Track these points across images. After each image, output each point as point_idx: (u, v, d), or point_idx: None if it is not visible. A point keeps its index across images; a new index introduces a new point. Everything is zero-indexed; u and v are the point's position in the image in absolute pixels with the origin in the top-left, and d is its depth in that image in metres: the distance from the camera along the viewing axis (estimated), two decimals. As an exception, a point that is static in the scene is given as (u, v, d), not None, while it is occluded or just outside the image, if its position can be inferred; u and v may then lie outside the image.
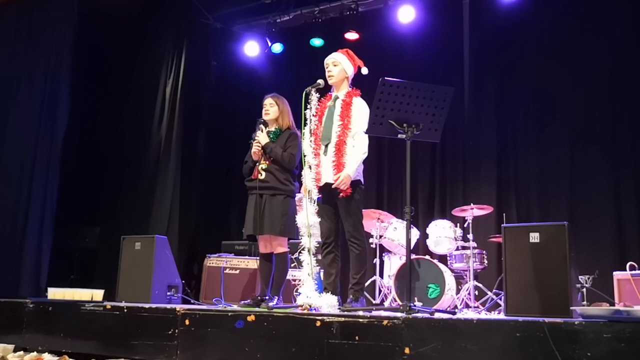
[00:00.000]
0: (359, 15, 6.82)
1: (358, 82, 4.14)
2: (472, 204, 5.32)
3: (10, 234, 5.51)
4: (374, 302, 5.41)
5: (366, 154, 3.87)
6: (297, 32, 7.27)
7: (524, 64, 6.16)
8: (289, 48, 7.35)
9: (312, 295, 3.54)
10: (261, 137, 4.25)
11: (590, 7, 5.88)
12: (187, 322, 3.35)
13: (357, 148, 3.84)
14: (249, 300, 4.19)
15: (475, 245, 5.25)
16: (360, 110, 3.90)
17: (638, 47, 5.56)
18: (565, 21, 5.99)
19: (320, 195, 3.88)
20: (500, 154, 6.16)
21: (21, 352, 3.89)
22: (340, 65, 4.00)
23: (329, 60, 4.04)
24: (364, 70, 4.07)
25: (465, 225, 5.35)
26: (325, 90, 4.07)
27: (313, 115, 3.94)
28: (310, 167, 3.90)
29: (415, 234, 5.60)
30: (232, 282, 5.49)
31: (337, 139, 3.86)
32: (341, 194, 3.79)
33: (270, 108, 4.36)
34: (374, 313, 3.20)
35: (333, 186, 3.79)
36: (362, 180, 3.95)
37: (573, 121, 5.82)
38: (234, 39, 7.55)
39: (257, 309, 3.53)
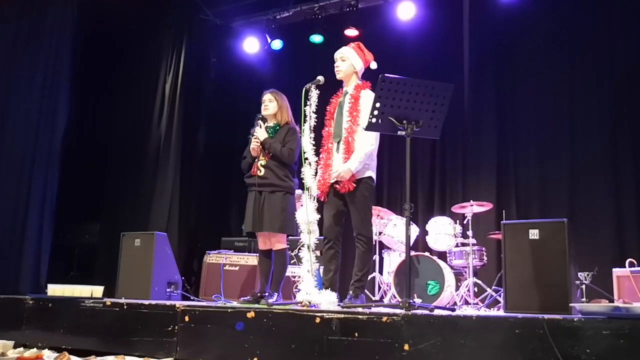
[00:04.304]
0: (359, 12, 6.81)
1: (365, 77, 4.10)
2: (471, 201, 5.33)
3: (10, 230, 5.49)
4: (373, 298, 5.42)
5: (373, 146, 3.82)
6: (297, 28, 7.26)
7: (524, 60, 6.16)
8: (289, 45, 7.34)
9: (311, 291, 3.55)
10: (260, 133, 4.25)
11: (591, 4, 5.87)
12: (186, 318, 3.36)
13: (363, 141, 3.80)
14: (248, 297, 4.20)
15: (475, 242, 5.26)
16: (369, 103, 3.87)
17: (639, 44, 5.56)
18: (566, 18, 5.98)
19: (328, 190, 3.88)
20: (500, 150, 6.16)
21: (21, 349, 3.89)
22: (348, 60, 3.97)
23: (337, 54, 4.02)
24: (373, 65, 4.03)
25: (464, 222, 5.35)
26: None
27: (313, 111, 3.92)
28: (310, 164, 3.89)
29: (414, 230, 5.61)
30: (231, 278, 5.49)
31: (346, 134, 3.84)
32: (339, 188, 3.78)
33: (270, 103, 4.35)
34: (374, 310, 3.20)
35: (331, 179, 3.79)
36: (373, 177, 3.89)
37: (573, 118, 5.82)
38: (234, 35, 7.54)
39: (256, 306, 3.53)
